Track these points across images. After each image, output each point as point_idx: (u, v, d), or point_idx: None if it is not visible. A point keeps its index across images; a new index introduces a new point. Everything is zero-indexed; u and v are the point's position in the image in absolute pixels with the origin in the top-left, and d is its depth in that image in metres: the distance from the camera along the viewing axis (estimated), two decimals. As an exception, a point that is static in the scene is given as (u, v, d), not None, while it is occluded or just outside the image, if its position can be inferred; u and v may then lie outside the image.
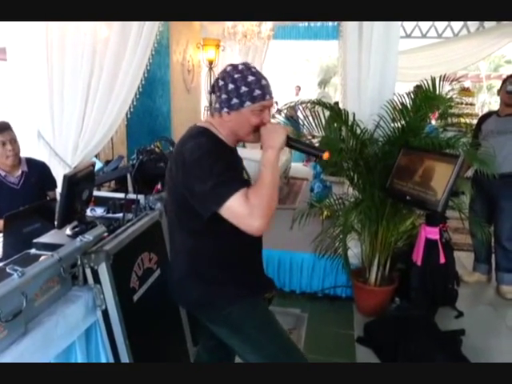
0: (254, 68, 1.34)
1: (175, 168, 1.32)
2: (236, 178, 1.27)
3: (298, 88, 10.72)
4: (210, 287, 1.37)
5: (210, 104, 5.55)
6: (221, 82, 1.31)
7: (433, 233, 2.45)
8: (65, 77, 2.63)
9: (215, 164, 1.24)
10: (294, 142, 1.37)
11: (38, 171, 2.43)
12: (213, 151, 1.27)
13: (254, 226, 1.20)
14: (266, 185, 1.24)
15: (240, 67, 1.32)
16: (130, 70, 2.70)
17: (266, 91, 1.31)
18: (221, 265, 1.37)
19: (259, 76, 1.31)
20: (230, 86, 1.28)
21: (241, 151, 1.51)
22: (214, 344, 1.56)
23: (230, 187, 1.21)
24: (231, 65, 1.34)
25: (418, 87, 3.55)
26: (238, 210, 1.20)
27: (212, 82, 1.37)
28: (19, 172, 2.36)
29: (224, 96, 1.30)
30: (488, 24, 6.70)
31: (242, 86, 1.28)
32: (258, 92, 1.29)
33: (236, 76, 1.29)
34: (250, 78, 1.29)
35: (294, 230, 3.02)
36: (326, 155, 1.32)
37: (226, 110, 1.31)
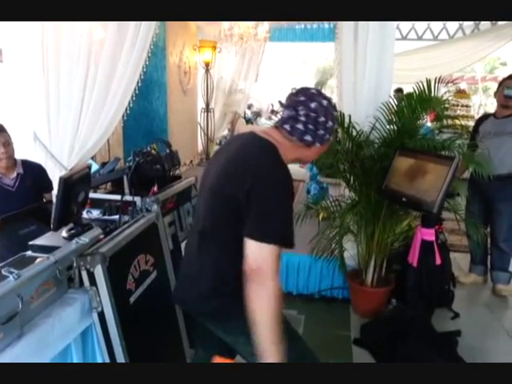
0: None
1: (240, 182, 1.25)
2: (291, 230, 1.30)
3: None
4: (231, 298, 1.32)
5: (205, 108, 5.51)
6: (322, 119, 1.31)
7: (428, 234, 2.46)
8: (60, 78, 2.62)
9: (287, 199, 1.27)
10: None
11: (33, 173, 2.42)
12: (289, 180, 1.29)
13: (268, 284, 1.22)
14: (260, 333, 1.23)
15: (333, 103, 1.38)
16: (126, 72, 2.70)
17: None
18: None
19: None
20: (329, 124, 1.33)
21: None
22: (211, 353, 1.52)
23: (286, 237, 1.27)
24: (325, 98, 1.34)
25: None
26: (274, 262, 1.23)
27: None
28: (14, 174, 2.35)
29: (321, 132, 1.32)
30: (483, 26, 6.76)
31: (335, 124, 1.37)
32: (335, 126, 1.39)
33: (335, 114, 1.37)
34: (335, 114, 1.38)
35: (290, 231, 3.01)
36: None
37: (318, 144, 1.35)
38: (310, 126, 1.30)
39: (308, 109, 1.30)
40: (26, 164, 2.42)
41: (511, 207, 3.11)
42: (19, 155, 2.42)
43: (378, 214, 2.74)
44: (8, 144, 2.26)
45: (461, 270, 3.52)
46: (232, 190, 1.27)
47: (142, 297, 1.69)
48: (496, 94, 3.19)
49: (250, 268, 1.21)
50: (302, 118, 1.30)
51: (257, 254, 1.21)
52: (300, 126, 1.31)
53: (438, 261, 2.52)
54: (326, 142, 1.36)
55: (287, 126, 1.32)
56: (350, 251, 3.00)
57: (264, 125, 8.29)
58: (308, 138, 1.32)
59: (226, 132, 7.93)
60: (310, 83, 17.00)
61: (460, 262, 3.66)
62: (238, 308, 1.31)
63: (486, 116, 3.37)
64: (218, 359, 1.36)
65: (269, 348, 1.22)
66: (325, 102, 1.32)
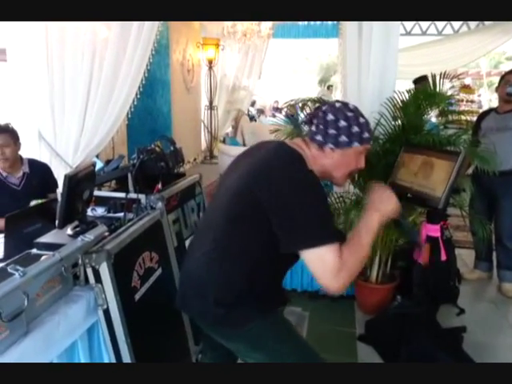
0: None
1: (265, 185, 1.21)
2: (334, 226, 1.24)
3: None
4: (234, 307, 1.28)
5: (209, 106, 5.59)
6: (330, 117, 1.28)
7: (434, 230, 2.45)
8: (65, 77, 2.63)
9: (319, 201, 1.20)
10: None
11: (40, 173, 2.43)
12: (317, 185, 1.23)
13: (336, 285, 1.18)
14: (364, 247, 1.22)
15: (351, 106, 1.32)
16: (131, 70, 2.70)
17: (371, 136, 1.33)
18: (253, 285, 1.28)
19: (367, 120, 1.32)
20: (342, 123, 1.27)
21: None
22: (219, 354, 1.50)
23: (328, 235, 1.16)
24: (340, 102, 1.34)
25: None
26: (329, 262, 1.16)
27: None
28: (20, 173, 2.36)
29: (332, 131, 1.27)
30: (488, 21, 6.69)
31: (355, 126, 1.27)
32: (366, 135, 1.30)
33: (349, 114, 1.28)
34: (362, 120, 1.30)
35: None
36: None
37: (331, 145, 1.28)
38: (321, 127, 1.29)
39: (318, 112, 1.31)
40: (32, 163, 2.43)
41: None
42: (25, 154, 2.43)
43: (383, 211, 2.72)
44: (6, 146, 2.25)
45: (466, 266, 3.51)
46: (255, 198, 1.21)
47: (147, 294, 1.69)
48: (498, 89, 3.15)
49: (322, 282, 1.21)
50: (316, 122, 1.31)
51: (312, 265, 1.19)
52: (314, 129, 1.31)
53: (444, 257, 2.51)
54: (344, 145, 1.27)
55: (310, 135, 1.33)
56: (355, 248, 2.99)
57: (268, 122, 8.26)
58: (318, 137, 1.29)
59: (229, 129, 7.92)
60: (313, 80, 16.94)
61: (465, 258, 3.64)
62: (241, 317, 1.28)
63: (487, 111, 3.33)
64: None
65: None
66: (337, 105, 1.31)
